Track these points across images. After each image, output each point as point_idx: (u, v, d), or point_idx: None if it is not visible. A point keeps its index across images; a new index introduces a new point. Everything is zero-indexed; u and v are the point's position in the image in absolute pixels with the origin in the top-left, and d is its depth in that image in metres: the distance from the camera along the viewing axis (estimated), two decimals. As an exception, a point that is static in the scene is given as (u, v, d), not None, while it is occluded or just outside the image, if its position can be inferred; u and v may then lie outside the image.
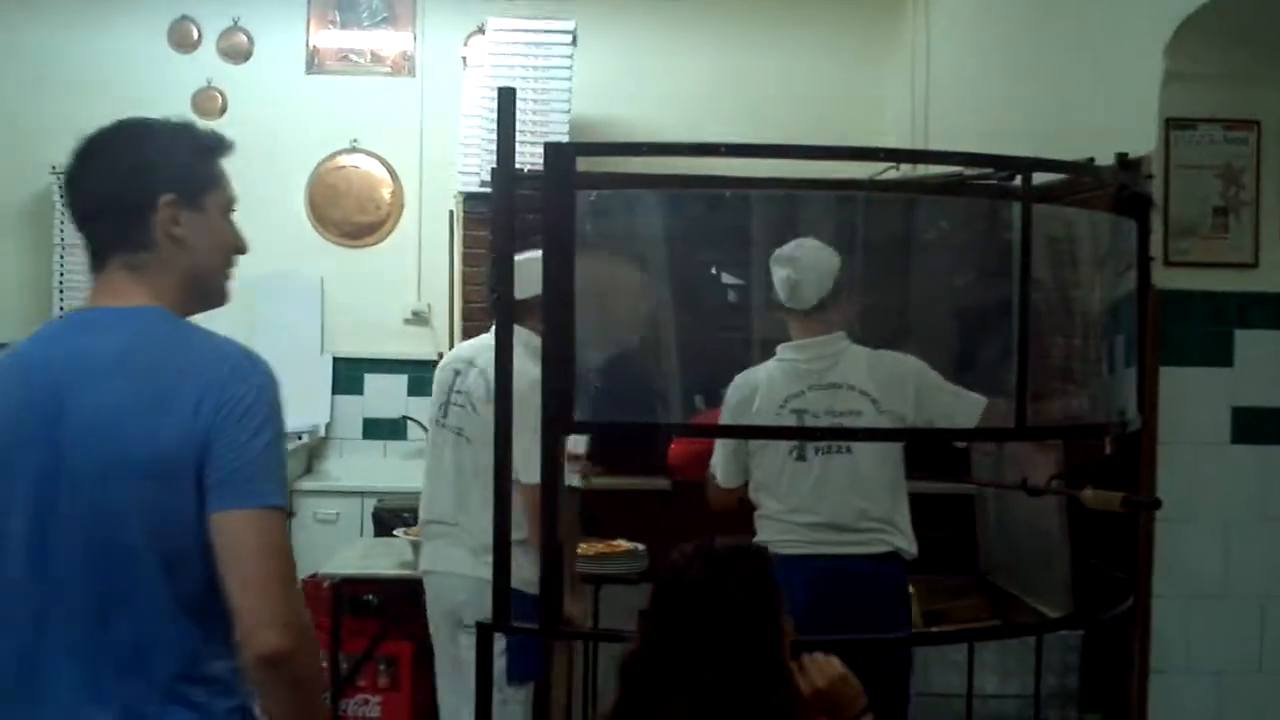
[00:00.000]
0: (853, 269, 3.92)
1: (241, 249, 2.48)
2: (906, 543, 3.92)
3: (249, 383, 2.17)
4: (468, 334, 6.39)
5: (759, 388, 3.97)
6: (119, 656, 2.13)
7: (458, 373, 4.19)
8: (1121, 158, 4.12)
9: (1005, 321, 3.80)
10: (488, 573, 3.87)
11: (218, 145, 2.42)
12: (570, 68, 6.35)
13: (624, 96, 6.83)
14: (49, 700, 2.14)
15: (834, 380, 3.91)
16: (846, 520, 3.86)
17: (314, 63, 7.12)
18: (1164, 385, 4.11)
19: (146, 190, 2.26)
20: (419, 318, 7.08)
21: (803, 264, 3.92)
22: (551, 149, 3.61)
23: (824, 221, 3.97)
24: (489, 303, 5.72)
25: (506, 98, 3.73)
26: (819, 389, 3.90)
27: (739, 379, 4.02)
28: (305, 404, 6.86)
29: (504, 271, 3.70)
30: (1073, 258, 4.01)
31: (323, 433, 7.01)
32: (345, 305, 7.06)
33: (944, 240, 4.22)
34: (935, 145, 6.04)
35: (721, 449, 4.11)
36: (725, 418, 4.01)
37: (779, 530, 3.92)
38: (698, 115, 6.70)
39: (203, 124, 2.44)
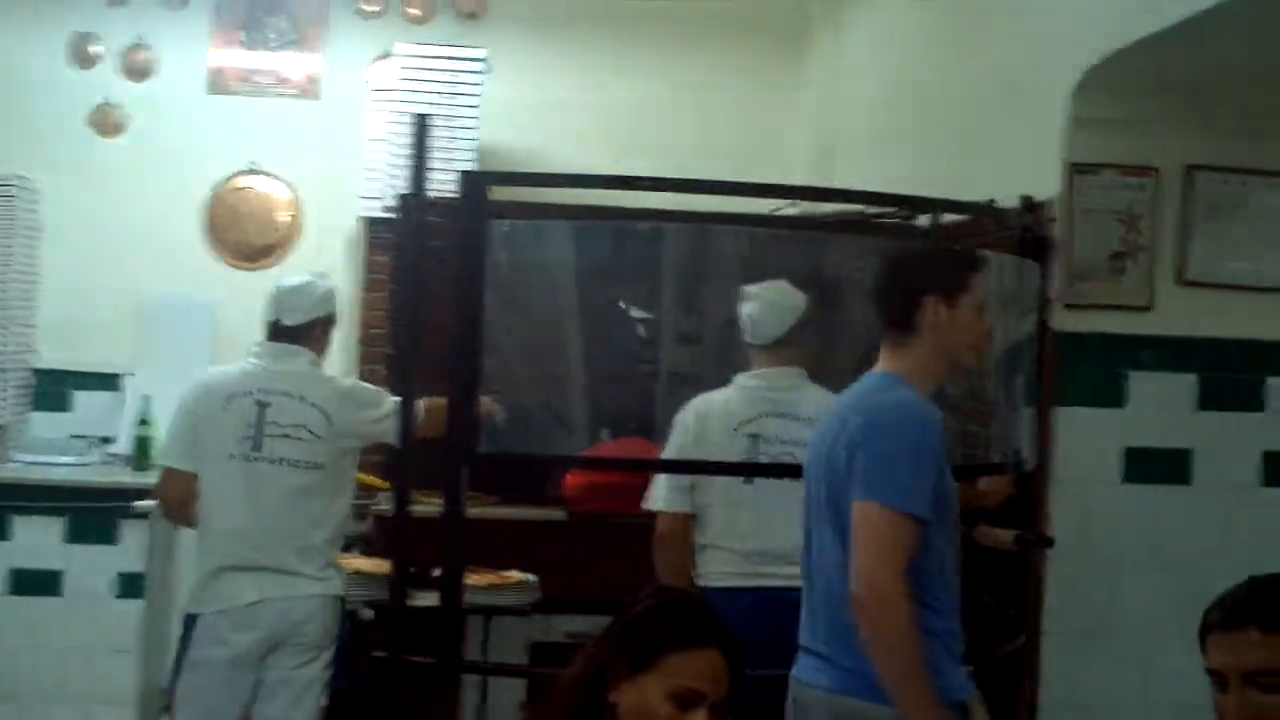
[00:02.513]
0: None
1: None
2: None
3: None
4: (366, 360, 6.35)
5: (714, 409, 4.01)
6: None
7: (263, 404, 4.17)
8: (1026, 200, 4.19)
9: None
10: (321, 589, 4.16)
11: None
12: (478, 95, 6.34)
13: (531, 126, 6.82)
14: None
15: (790, 411, 3.97)
16: (785, 551, 3.86)
17: (217, 83, 7.04)
18: (1058, 425, 4.18)
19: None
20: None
21: (767, 301, 4.01)
22: (465, 177, 3.62)
23: (734, 256, 4.02)
24: (390, 328, 5.72)
25: (421, 124, 3.73)
26: (774, 416, 3.96)
27: (694, 402, 4.05)
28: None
29: (411, 297, 3.70)
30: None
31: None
32: (239, 329, 6.93)
33: (850, 278, 4.26)
34: (840, 184, 6.09)
35: (665, 476, 4.09)
36: (677, 439, 4.01)
37: (719, 561, 3.94)
38: (604, 148, 6.70)
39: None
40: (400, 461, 3.56)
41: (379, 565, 4.75)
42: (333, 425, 4.18)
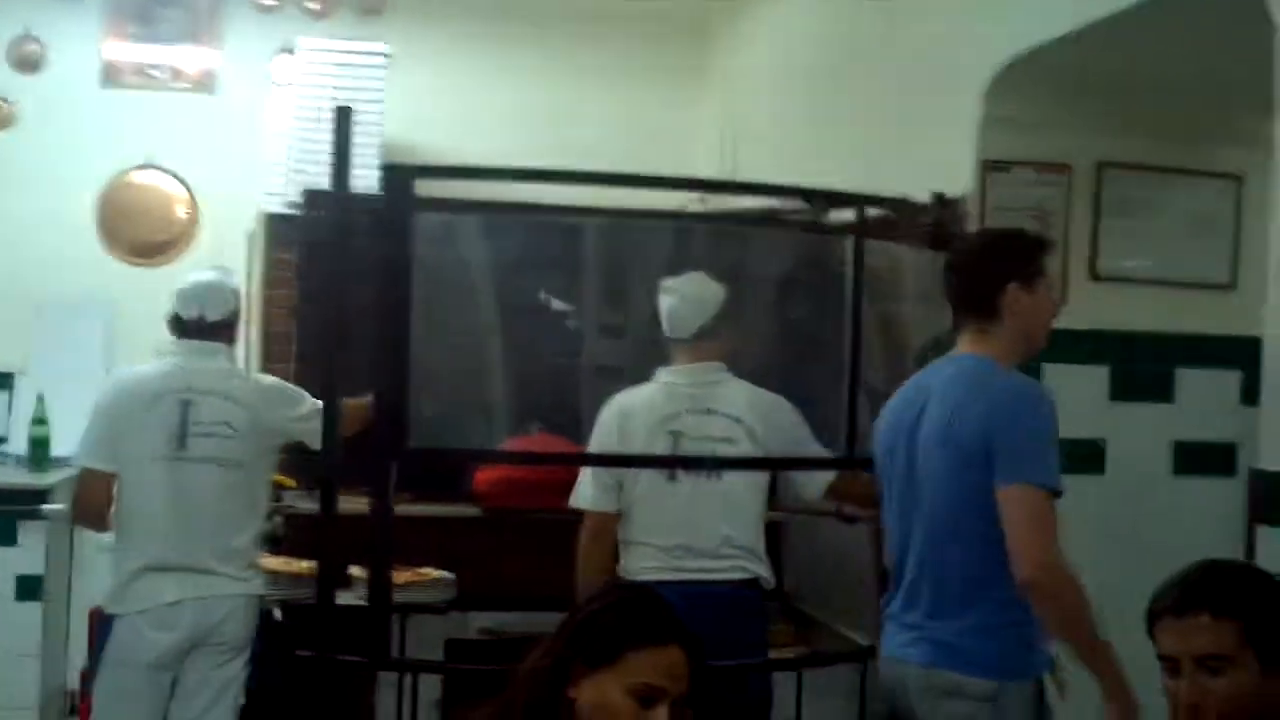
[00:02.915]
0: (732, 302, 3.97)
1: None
2: (766, 572, 3.98)
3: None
4: (271, 359, 6.25)
5: (636, 407, 3.99)
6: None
7: (186, 403, 4.12)
8: (939, 197, 4.24)
9: (835, 354, 3.90)
10: (241, 589, 4.14)
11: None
12: (382, 90, 6.28)
13: (434, 123, 6.77)
14: None
15: (711, 406, 3.96)
16: (709, 546, 3.90)
17: (110, 76, 6.90)
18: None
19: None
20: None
21: (685, 294, 4.01)
22: (390, 171, 3.59)
23: (658, 251, 4.02)
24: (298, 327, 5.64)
25: (343, 116, 3.68)
26: (696, 413, 3.95)
27: (616, 399, 4.04)
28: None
29: (337, 294, 3.65)
30: (895, 294, 4.12)
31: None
32: (135, 326, 6.80)
33: (772, 273, 4.29)
34: (745, 180, 6.12)
35: (591, 472, 4.07)
36: (600, 438, 4.00)
37: (642, 556, 3.93)
38: (508, 144, 6.64)
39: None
40: (325, 460, 3.50)
41: (290, 564, 4.70)
42: (256, 422, 4.15)
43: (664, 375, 4.06)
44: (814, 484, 4.02)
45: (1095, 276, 4.32)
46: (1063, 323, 4.24)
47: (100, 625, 4.15)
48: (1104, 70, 4.06)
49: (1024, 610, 3.03)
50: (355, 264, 3.66)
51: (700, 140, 6.82)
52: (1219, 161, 4.41)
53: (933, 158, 4.44)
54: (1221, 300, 4.41)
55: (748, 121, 6.34)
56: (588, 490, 4.04)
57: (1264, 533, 2.94)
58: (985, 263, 3.29)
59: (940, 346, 4.00)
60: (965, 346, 3.28)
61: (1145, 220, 4.35)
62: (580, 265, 4.10)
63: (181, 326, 4.28)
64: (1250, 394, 4.37)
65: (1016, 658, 3.09)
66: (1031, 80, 4.11)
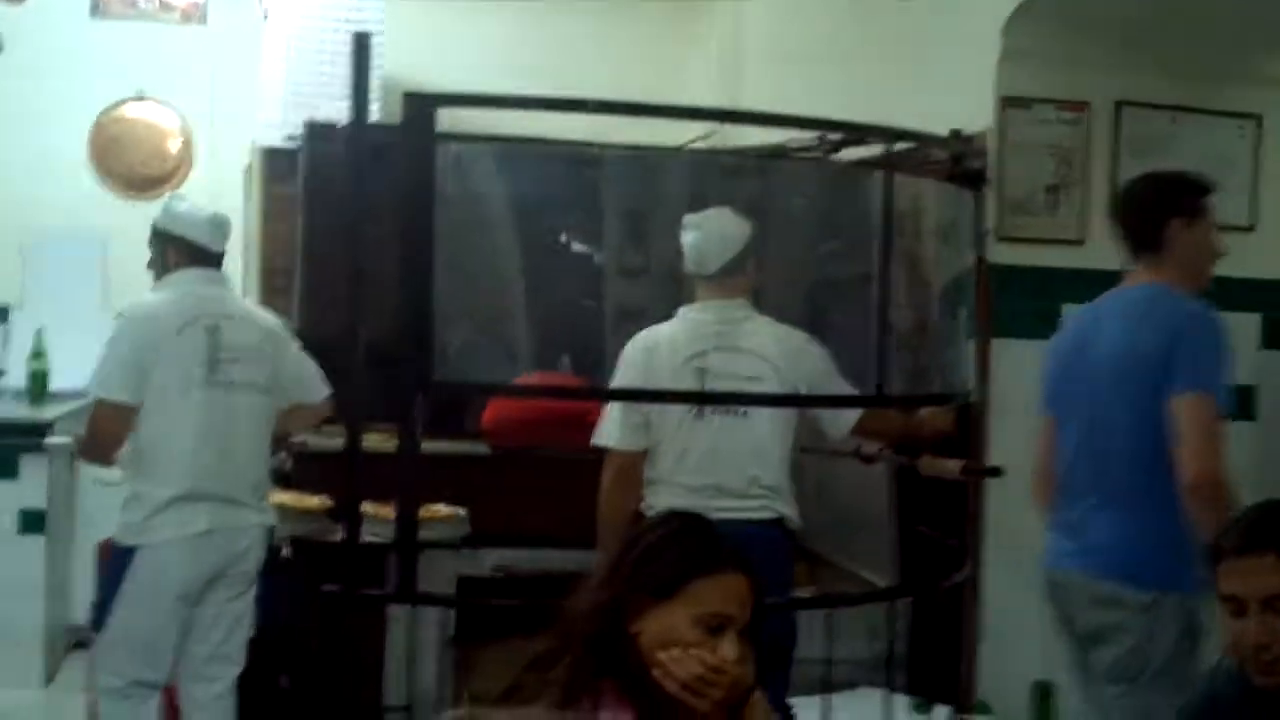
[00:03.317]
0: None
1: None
2: (793, 512, 3.95)
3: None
4: (271, 292, 6.18)
5: (661, 344, 3.94)
6: None
7: (215, 329, 4.11)
8: (956, 133, 4.20)
9: (864, 292, 3.87)
10: (260, 519, 4.17)
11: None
12: (382, 21, 6.18)
13: (429, 60, 6.66)
14: None
15: (738, 344, 3.91)
16: (737, 485, 3.85)
17: (99, 7, 6.79)
18: (994, 357, 4.22)
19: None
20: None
21: (708, 230, 3.94)
22: (411, 99, 3.50)
23: (680, 187, 3.96)
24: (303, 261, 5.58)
25: (362, 45, 3.60)
26: (723, 350, 3.89)
27: (640, 336, 3.98)
28: (86, 364, 6.52)
29: (359, 230, 3.58)
30: (918, 232, 4.10)
31: (105, 393, 6.69)
32: (130, 261, 6.70)
33: (801, 211, 4.25)
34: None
35: (618, 410, 4.00)
36: (625, 375, 3.95)
37: (669, 495, 3.88)
38: (503, 81, 6.57)
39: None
40: (352, 395, 3.45)
41: (301, 500, 4.68)
42: (276, 348, 4.20)
43: (689, 312, 4.01)
44: (841, 423, 3.98)
45: (1115, 216, 4.30)
46: (1082, 262, 4.27)
47: (115, 558, 4.09)
48: (1123, 6, 4.04)
49: (1184, 526, 3.18)
50: (374, 198, 3.59)
51: (701, 76, 6.74)
52: (1238, 101, 4.39)
53: (949, 93, 4.41)
54: (1240, 242, 4.35)
55: (749, 57, 6.26)
56: (614, 428, 3.98)
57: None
58: (1150, 199, 3.50)
59: (965, 284, 3.99)
60: (1139, 277, 3.49)
61: (1164, 159, 4.30)
62: (601, 203, 4.03)
63: (196, 254, 4.22)
64: (1272, 338, 4.39)
65: (1173, 571, 3.25)
66: (1050, 14, 4.09)
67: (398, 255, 3.44)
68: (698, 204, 4.02)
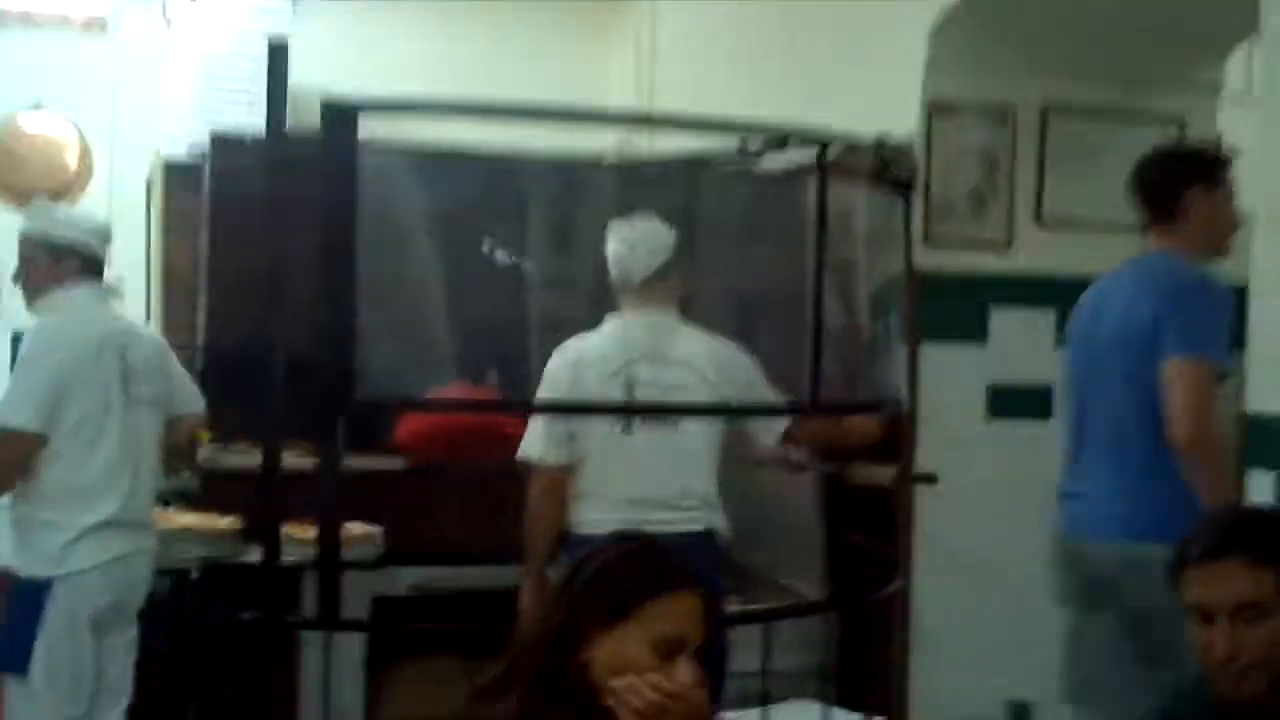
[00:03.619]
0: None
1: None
2: (723, 523, 3.87)
3: None
4: (172, 308, 6.01)
5: (587, 355, 3.84)
6: None
7: (124, 347, 3.96)
8: (881, 139, 4.16)
9: (792, 300, 3.81)
10: (153, 543, 4.01)
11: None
12: (290, 31, 6.03)
13: (341, 71, 6.51)
14: None
15: (666, 353, 3.82)
16: (669, 497, 3.77)
17: (-5, 16, 6.58)
18: (922, 362, 4.18)
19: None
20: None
21: (633, 239, 3.85)
22: (330, 107, 3.40)
23: (604, 198, 3.88)
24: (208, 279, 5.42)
25: (279, 53, 3.50)
26: (650, 360, 3.80)
27: (566, 347, 3.88)
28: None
29: (276, 244, 3.46)
30: (846, 237, 4.04)
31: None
32: (25, 278, 6.54)
33: (728, 218, 4.18)
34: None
35: (543, 424, 3.90)
36: (551, 387, 3.84)
37: (597, 508, 3.79)
38: (412, 90, 6.44)
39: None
40: (269, 413, 3.33)
41: (208, 520, 4.53)
42: (164, 361, 4.10)
43: (615, 323, 3.92)
44: (770, 432, 3.92)
45: (1041, 220, 4.28)
46: (1008, 267, 4.25)
47: (26, 592, 3.87)
48: (1049, 11, 4.02)
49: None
50: (290, 210, 3.47)
51: (616, 81, 6.65)
52: (1163, 106, 4.39)
53: (874, 98, 4.36)
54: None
55: (666, 61, 6.16)
56: (539, 442, 3.88)
57: (1256, 476, 2.92)
58: (1170, 167, 3.56)
59: (894, 290, 3.95)
60: (1152, 245, 3.51)
61: (1090, 164, 4.30)
62: (526, 213, 3.93)
63: (90, 265, 4.05)
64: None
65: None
66: (978, 20, 4.06)
67: (315, 269, 3.33)
68: (624, 212, 3.94)
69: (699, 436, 3.84)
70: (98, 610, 3.84)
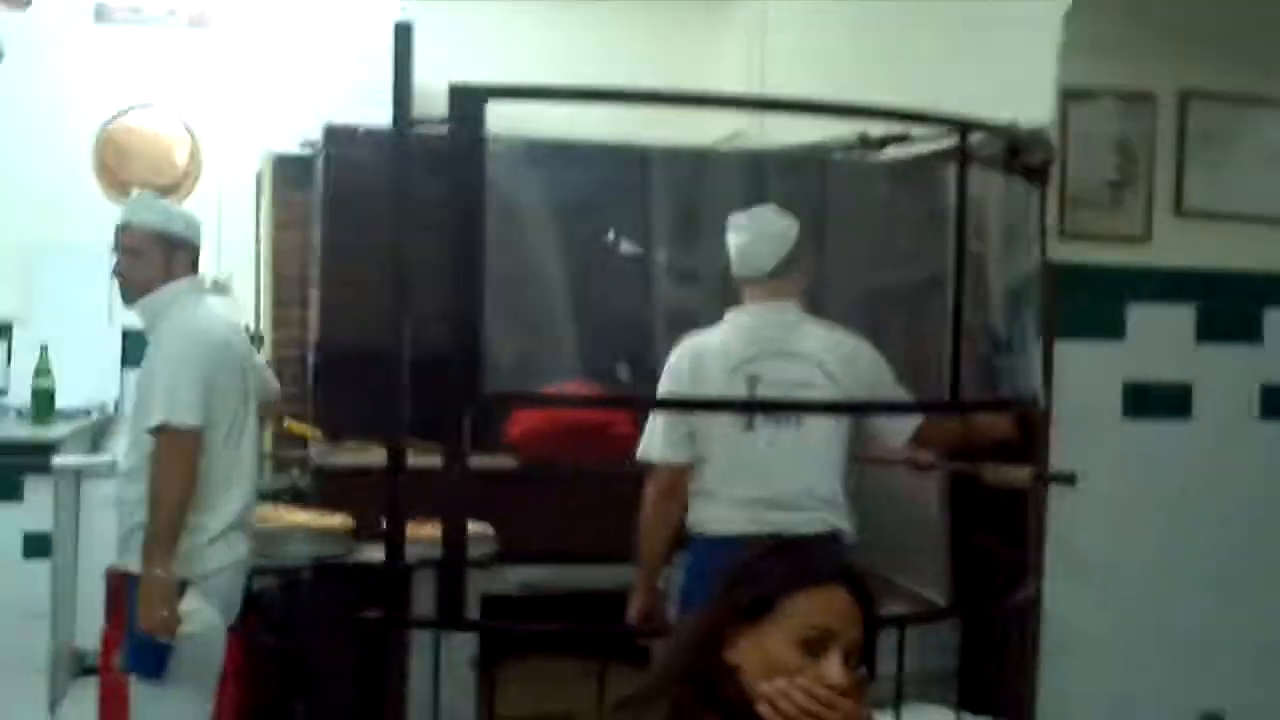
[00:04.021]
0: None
1: None
2: (849, 524, 3.76)
3: None
4: (280, 303, 6.00)
5: (708, 351, 3.75)
6: None
7: (242, 341, 4.04)
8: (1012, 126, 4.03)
9: (924, 294, 3.69)
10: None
11: None
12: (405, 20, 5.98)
13: (453, 66, 6.45)
14: None
15: (789, 348, 3.72)
16: (790, 497, 3.67)
17: (103, 12, 6.59)
18: (1057, 359, 4.04)
19: None
20: (219, 287, 6.59)
21: (755, 230, 3.75)
22: (460, 91, 3.33)
23: (728, 188, 3.78)
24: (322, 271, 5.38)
25: (404, 34, 3.44)
26: (774, 356, 3.71)
27: (687, 342, 3.79)
28: (91, 379, 6.35)
29: (402, 237, 3.39)
30: (980, 230, 3.91)
31: (112, 409, 6.49)
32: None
33: (857, 209, 4.07)
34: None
35: (662, 422, 3.81)
36: (672, 383, 3.76)
37: (717, 508, 3.70)
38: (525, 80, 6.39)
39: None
40: (393, 410, 3.26)
41: (324, 520, 4.49)
42: (255, 355, 4.22)
43: (737, 316, 3.82)
44: (901, 431, 3.79)
45: (1181, 212, 4.13)
46: (1147, 261, 4.10)
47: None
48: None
49: None
50: (414, 199, 3.40)
51: (726, 76, 6.53)
52: (1306, 91, 4.22)
53: (1005, 85, 4.21)
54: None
55: (781, 52, 6.03)
56: (658, 441, 3.79)
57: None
58: None
59: (1029, 284, 3.82)
60: None
61: (1232, 153, 4.15)
62: (649, 205, 3.84)
63: (196, 261, 4.02)
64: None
65: None
66: (1114, 3, 3.92)
67: (440, 260, 3.25)
68: (749, 203, 3.84)
69: (825, 435, 3.73)
70: (230, 611, 3.83)
